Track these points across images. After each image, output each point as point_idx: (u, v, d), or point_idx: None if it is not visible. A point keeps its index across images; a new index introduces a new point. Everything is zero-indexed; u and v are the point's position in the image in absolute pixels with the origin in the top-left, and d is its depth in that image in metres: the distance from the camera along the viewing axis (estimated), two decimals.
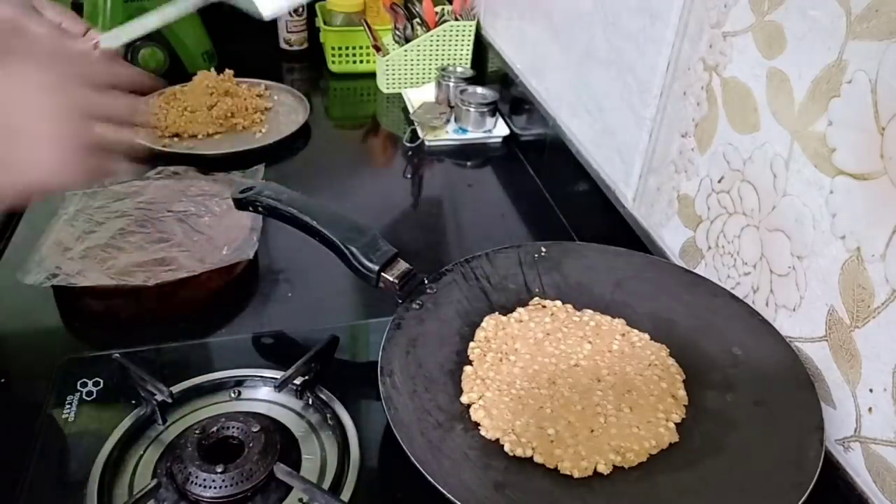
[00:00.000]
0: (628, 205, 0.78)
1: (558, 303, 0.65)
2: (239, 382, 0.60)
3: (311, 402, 0.59)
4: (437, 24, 1.22)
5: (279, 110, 1.12)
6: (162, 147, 0.99)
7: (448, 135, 1.09)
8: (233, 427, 0.52)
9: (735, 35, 0.58)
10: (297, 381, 0.59)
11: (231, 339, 0.68)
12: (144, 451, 0.54)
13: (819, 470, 0.46)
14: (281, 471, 0.50)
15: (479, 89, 1.10)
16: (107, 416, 0.56)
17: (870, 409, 0.47)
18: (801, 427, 0.49)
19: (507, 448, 0.52)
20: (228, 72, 1.14)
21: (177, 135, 1.03)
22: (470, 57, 1.25)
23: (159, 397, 0.56)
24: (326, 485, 0.52)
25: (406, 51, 1.21)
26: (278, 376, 0.59)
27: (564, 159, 0.90)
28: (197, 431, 0.52)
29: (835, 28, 0.47)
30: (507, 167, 1.05)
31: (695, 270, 0.66)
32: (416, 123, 1.10)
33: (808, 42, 0.50)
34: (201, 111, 1.06)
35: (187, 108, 1.06)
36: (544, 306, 0.64)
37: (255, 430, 0.52)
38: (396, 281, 0.60)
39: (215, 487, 0.49)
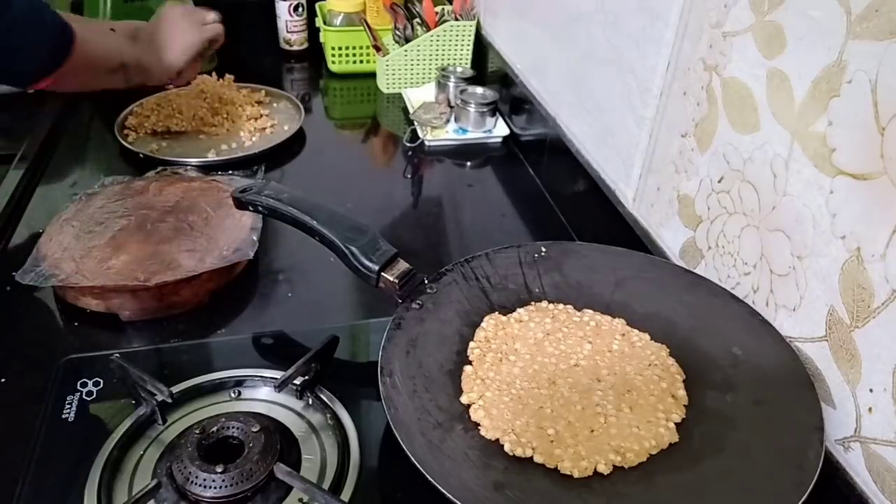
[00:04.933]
0: (628, 205, 0.78)
1: (559, 305, 0.65)
2: (239, 382, 0.60)
3: (311, 402, 0.59)
4: (437, 24, 1.22)
5: (277, 117, 1.11)
6: (152, 153, 0.98)
7: (448, 135, 1.09)
8: (233, 427, 0.52)
9: (735, 35, 0.58)
10: (297, 382, 0.59)
11: (231, 339, 0.68)
12: (144, 451, 0.54)
13: (819, 470, 0.46)
14: (281, 471, 0.50)
15: (479, 89, 1.10)
16: (107, 416, 0.56)
17: (870, 409, 0.47)
18: (801, 427, 0.49)
19: (507, 448, 0.52)
20: (229, 77, 1.14)
21: (172, 138, 1.03)
22: (470, 57, 1.25)
23: (159, 397, 0.56)
24: (326, 485, 0.52)
25: (406, 51, 1.21)
26: (278, 376, 0.59)
27: (564, 159, 0.90)
28: (197, 431, 0.52)
29: (835, 28, 0.47)
30: (507, 167, 1.05)
31: (695, 270, 0.66)
32: (416, 123, 1.10)
33: (808, 42, 0.50)
34: (197, 115, 1.05)
35: (183, 112, 1.06)
36: (545, 308, 0.64)
37: (255, 430, 0.52)
38: (396, 281, 0.60)
39: (215, 487, 0.49)
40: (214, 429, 0.52)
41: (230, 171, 0.95)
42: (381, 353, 0.55)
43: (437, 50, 1.22)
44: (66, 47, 0.73)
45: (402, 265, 0.61)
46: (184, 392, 0.58)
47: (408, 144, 1.08)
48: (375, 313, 0.70)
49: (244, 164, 0.98)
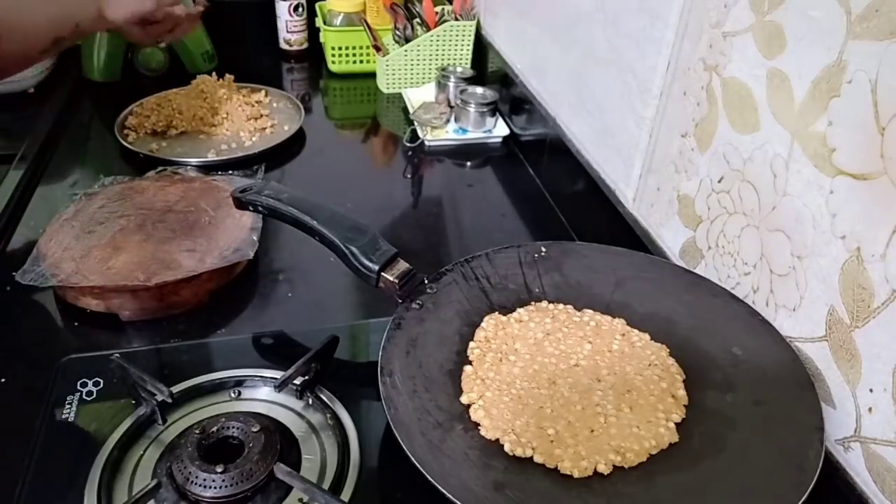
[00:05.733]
0: (628, 205, 0.78)
1: (559, 305, 0.65)
2: (239, 382, 0.60)
3: (311, 402, 0.59)
4: (437, 24, 1.22)
5: (277, 117, 1.11)
6: (152, 153, 0.98)
7: (448, 135, 1.09)
8: (233, 427, 0.52)
9: (735, 35, 0.58)
10: (297, 382, 0.59)
11: (231, 339, 0.68)
12: (144, 451, 0.54)
13: (819, 470, 0.46)
14: (281, 471, 0.50)
15: (479, 89, 1.10)
16: (107, 416, 0.56)
17: (870, 409, 0.47)
18: (801, 427, 0.49)
19: (507, 448, 0.52)
20: (229, 77, 1.14)
21: (172, 138, 1.03)
22: (470, 57, 1.25)
23: (159, 397, 0.56)
24: (326, 485, 0.52)
25: (406, 51, 1.21)
26: (278, 376, 0.59)
27: (564, 159, 0.90)
28: (197, 431, 0.52)
29: (835, 28, 0.47)
30: (507, 167, 1.05)
31: (695, 270, 0.66)
32: (416, 123, 1.10)
33: (808, 42, 0.50)
34: (197, 115, 1.05)
35: (183, 112, 1.06)
36: (545, 308, 0.64)
37: (255, 430, 0.52)
38: (396, 281, 0.60)
39: (215, 487, 0.49)
40: (214, 429, 0.52)
41: (230, 171, 0.95)
42: (381, 353, 0.55)
43: (437, 50, 1.22)
44: None
45: (402, 265, 0.61)
46: (184, 392, 0.58)
47: (408, 144, 1.08)
48: (375, 313, 0.70)
49: (244, 164, 0.98)
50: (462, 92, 1.10)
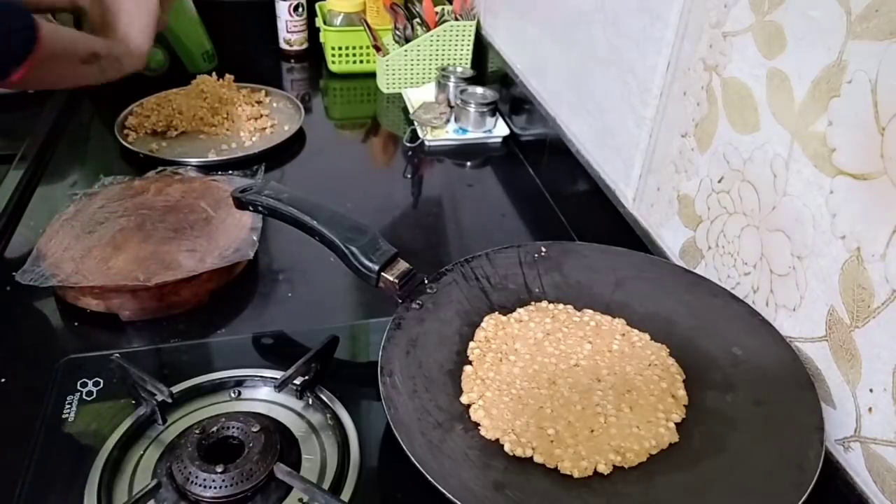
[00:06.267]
0: (628, 205, 0.78)
1: (559, 305, 0.65)
2: (239, 382, 0.60)
3: (311, 402, 0.59)
4: (437, 24, 1.22)
5: (277, 117, 1.11)
6: (152, 153, 0.98)
7: (448, 135, 1.09)
8: (233, 427, 0.52)
9: (735, 35, 0.58)
10: (297, 382, 0.59)
11: (231, 339, 0.68)
12: (144, 451, 0.54)
13: (819, 470, 0.46)
14: (281, 471, 0.50)
15: (479, 89, 1.10)
16: (107, 416, 0.56)
17: (870, 409, 0.47)
18: (801, 427, 0.49)
19: (507, 448, 0.52)
20: (229, 77, 1.14)
21: (172, 138, 1.03)
22: (470, 57, 1.25)
23: (159, 397, 0.56)
24: (326, 485, 0.52)
25: (406, 51, 1.21)
26: (278, 376, 0.59)
27: (564, 159, 0.90)
28: (197, 431, 0.52)
29: (835, 28, 0.47)
30: (507, 167, 1.05)
31: (695, 270, 0.66)
32: (416, 123, 1.10)
33: (808, 42, 0.50)
34: (197, 115, 1.05)
35: (183, 112, 1.06)
36: (545, 308, 0.64)
37: (255, 430, 0.52)
38: (396, 281, 0.60)
39: (215, 487, 0.49)
40: (214, 429, 0.52)
41: (230, 171, 0.95)
42: (381, 353, 0.55)
43: (437, 50, 1.22)
44: (31, 36, 0.68)
45: (402, 265, 0.61)
46: (184, 392, 0.58)
47: (408, 144, 1.08)
48: (375, 313, 0.70)
49: (244, 164, 0.98)
50: (462, 92, 1.10)
